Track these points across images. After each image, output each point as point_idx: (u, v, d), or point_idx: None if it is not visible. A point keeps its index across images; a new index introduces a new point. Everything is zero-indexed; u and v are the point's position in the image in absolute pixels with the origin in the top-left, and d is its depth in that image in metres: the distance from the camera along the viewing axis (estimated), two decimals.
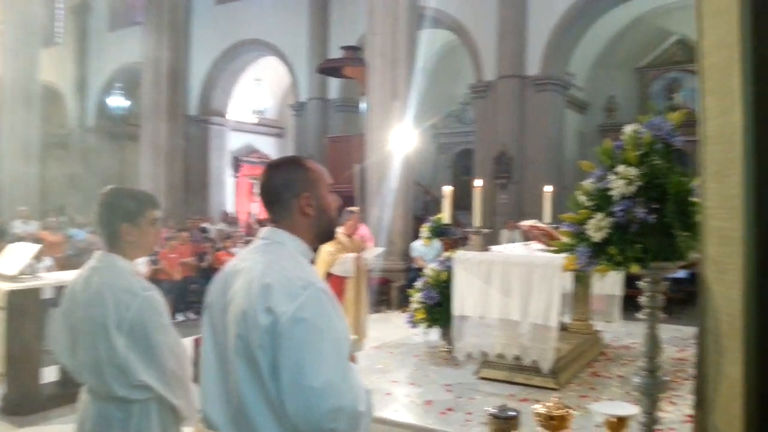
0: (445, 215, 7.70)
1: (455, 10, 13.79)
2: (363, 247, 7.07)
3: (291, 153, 17.77)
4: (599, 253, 3.39)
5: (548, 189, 6.90)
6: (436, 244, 9.59)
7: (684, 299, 10.45)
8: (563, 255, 3.69)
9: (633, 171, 3.28)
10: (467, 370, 5.60)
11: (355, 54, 11.67)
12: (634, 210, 3.19)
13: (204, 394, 1.69)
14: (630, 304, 8.49)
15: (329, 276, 6.75)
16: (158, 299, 2.23)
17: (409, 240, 10.54)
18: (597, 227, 3.30)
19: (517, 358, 5.23)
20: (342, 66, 11.47)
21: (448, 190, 7.48)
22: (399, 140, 10.23)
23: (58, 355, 2.36)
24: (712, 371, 1.29)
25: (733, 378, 1.18)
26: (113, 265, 2.26)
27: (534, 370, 5.16)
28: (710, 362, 1.32)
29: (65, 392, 5.31)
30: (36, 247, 5.63)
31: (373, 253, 7.40)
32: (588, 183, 3.57)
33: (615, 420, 2.38)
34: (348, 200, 10.41)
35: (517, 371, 5.24)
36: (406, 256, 10.45)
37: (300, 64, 16.16)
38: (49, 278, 5.52)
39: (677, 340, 6.97)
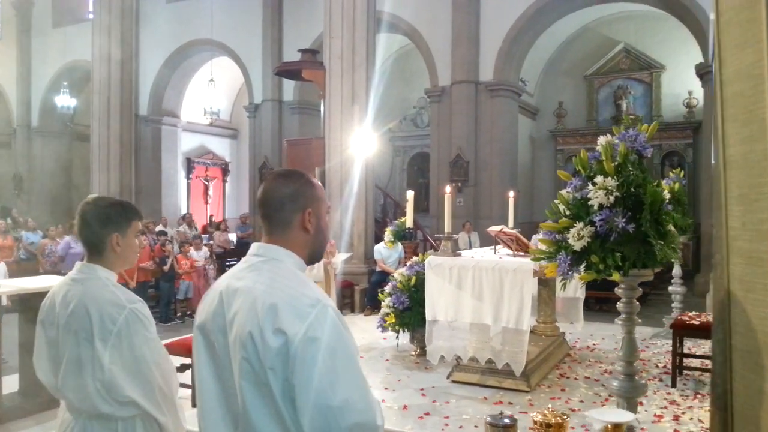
0: (408, 219, 7.79)
1: (409, 15, 13.93)
2: (331, 252, 7.07)
3: (246, 155, 17.58)
4: (579, 260, 3.52)
5: (511, 194, 7.06)
6: (399, 247, 9.67)
7: (639, 300, 10.79)
8: (543, 262, 3.80)
9: (611, 182, 3.42)
10: (439, 373, 5.69)
11: (312, 57, 11.61)
12: (615, 219, 3.32)
13: (205, 420, 1.62)
14: (586, 306, 8.78)
15: None
16: (145, 312, 2.15)
17: (370, 243, 10.58)
18: (578, 236, 3.42)
19: (490, 362, 5.33)
20: (299, 69, 11.38)
21: (411, 194, 7.57)
22: (359, 144, 10.26)
23: (38, 371, 2.25)
24: (742, 386, 1.36)
25: None
26: (95, 277, 2.18)
27: (505, 373, 5.27)
28: (738, 377, 1.39)
29: (26, 403, 5.13)
30: None
31: (341, 257, 7.42)
32: (566, 192, 3.70)
33: (611, 427, 2.47)
34: None
35: (488, 374, 5.35)
36: (368, 259, 10.49)
37: (254, 65, 15.99)
38: (7, 285, 5.29)
39: (637, 340, 7.21)
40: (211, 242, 12.42)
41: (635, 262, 3.41)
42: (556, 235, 3.70)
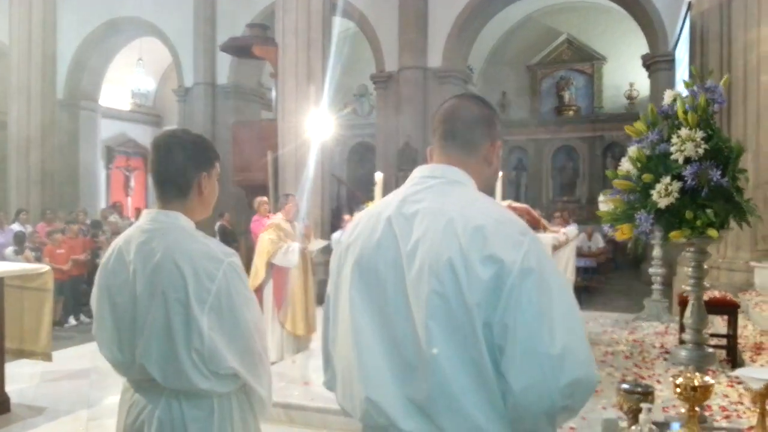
0: (377, 203, 7.35)
1: None
2: (308, 236, 6.53)
3: None
4: (661, 219, 3.22)
5: (500, 173, 6.76)
6: None
7: (594, 287, 10.88)
8: (614, 223, 3.48)
9: (700, 133, 3.14)
10: None
11: (263, 32, 10.92)
12: (709, 172, 3.03)
13: (365, 376, 1.31)
14: None
15: (272, 267, 6.15)
16: (241, 266, 1.78)
17: (327, 232, 10.05)
18: (665, 192, 3.10)
19: None
20: (249, 45, 10.65)
21: (379, 176, 7.14)
22: (315, 126, 9.69)
23: (100, 346, 1.83)
24: None
25: None
26: (178, 226, 1.77)
27: None
28: None
29: None
30: None
31: (318, 244, 6.92)
32: (638, 148, 3.39)
33: (765, 386, 2.17)
34: (260, 190, 9.69)
35: None
36: (324, 248, 9.94)
37: (184, 45, 14.92)
38: None
39: (621, 323, 7.16)
40: None
41: (725, 219, 3.16)
42: (629, 195, 3.40)
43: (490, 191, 1.48)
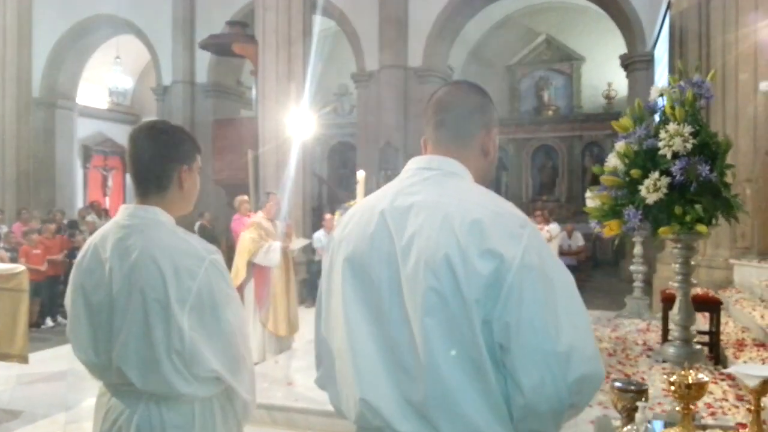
0: (359, 201, 7.29)
1: None
2: (289, 235, 6.46)
3: None
4: (649, 214, 3.22)
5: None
6: None
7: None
8: (602, 220, 3.47)
9: (688, 128, 3.14)
10: None
11: (242, 30, 10.82)
12: (698, 167, 3.03)
13: (360, 376, 1.26)
14: None
15: (253, 266, 6.08)
16: (224, 263, 1.72)
17: (308, 231, 9.98)
18: (653, 187, 3.10)
19: None
20: (229, 43, 10.55)
21: (362, 174, 7.10)
22: (296, 124, 9.61)
23: (75, 348, 1.75)
24: None
25: None
26: (157, 221, 1.69)
27: None
28: None
29: None
30: None
31: (300, 243, 6.84)
32: (625, 144, 3.38)
33: (760, 382, 2.15)
34: (241, 189, 9.58)
35: None
36: (305, 247, 9.87)
37: (163, 44, 14.73)
38: None
39: (602, 320, 7.18)
40: None
41: (713, 214, 3.16)
42: (616, 191, 3.39)
43: (487, 182, 1.43)
